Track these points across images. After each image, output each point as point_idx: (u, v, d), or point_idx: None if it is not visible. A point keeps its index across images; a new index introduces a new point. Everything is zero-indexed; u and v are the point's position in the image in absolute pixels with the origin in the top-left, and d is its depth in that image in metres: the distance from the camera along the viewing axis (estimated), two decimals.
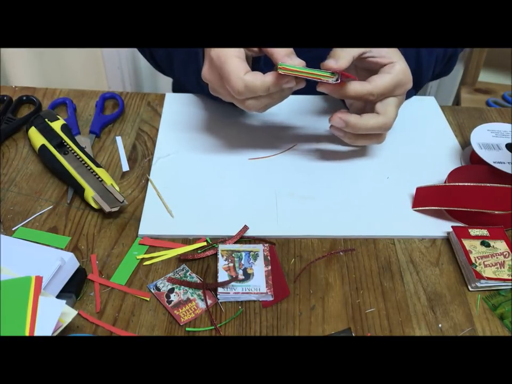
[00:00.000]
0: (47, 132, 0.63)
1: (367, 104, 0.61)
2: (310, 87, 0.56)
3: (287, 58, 0.52)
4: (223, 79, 0.53)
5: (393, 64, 0.56)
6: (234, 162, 0.64)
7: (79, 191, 0.58)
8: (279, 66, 0.51)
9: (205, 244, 0.54)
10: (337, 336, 0.46)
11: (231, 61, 0.52)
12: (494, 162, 0.60)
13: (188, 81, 0.70)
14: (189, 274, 0.51)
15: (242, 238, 0.54)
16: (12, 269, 0.44)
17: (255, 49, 0.55)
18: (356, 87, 0.55)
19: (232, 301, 0.49)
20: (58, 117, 0.66)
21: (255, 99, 0.54)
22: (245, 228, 0.54)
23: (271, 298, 0.49)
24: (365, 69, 0.59)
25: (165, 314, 0.47)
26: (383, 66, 0.57)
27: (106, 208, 0.55)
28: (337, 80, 0.53)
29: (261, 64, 0.63)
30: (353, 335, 0.46)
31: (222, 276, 0.49)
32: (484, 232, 0.54)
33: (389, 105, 0.57)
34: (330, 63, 0.53)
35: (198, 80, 0.62)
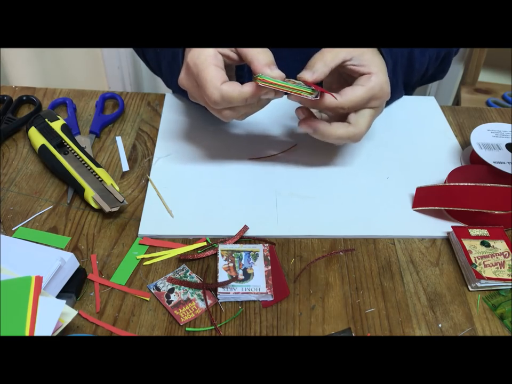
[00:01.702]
0: (47, 132, 0.63)
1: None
2: None
3: (267, 68, 0.50)
4: (199, 87, 0.52)
5: (370, 76, 0.54)
6: (234, 162, 0.64)
7: (79, 191, 0.58)
8: (258, 78, 0.50)
9: (205, 244, 0.54)
10: (337, 336, 0.46)
11: (208, 70, 0.51)
12: (494, 162, 0.60)
13: (173, 82, 0.68)
14: (189, 274, 0.51)
15: (242, 238, 0.54)
16: (12, 269, 0.44)
17: (235, 57, 0.54)
18: (326, 99, 0.53)
19: (232, 301, 0.49)
20: (58, 117, 0.66)
21: (232, 109, 0.53)
22: (245, 228, 0.54)
23: (271, 298, 0.49)
24: (347, 75, 0.58)
25: (165, 314, 0.47)
26: (360, 76, 0.55)
27: (106, 208, 0.55)
28: (316, 96, 0.52)
29: (244, 71, 0.62)
30: (353, 335, 0.46)
31: (222, 276, 0.49)
32: (484, 232, 0.54)
33: (362, 116, 0.56)
34: (306, 75, 0.52)
35: None
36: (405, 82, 0.62)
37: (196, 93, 0.55)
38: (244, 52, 0.52)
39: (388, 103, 0.67)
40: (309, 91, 0.52)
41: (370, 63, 0.55)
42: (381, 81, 0.55)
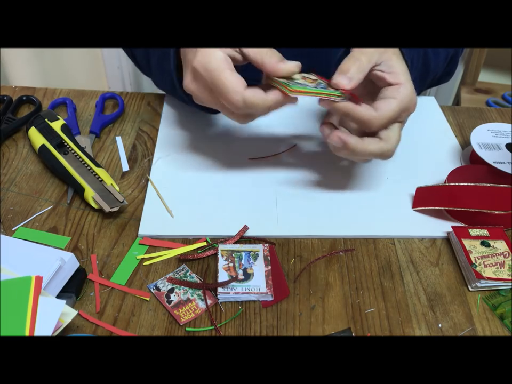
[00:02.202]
0: (47, 132, 0.63)
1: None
2: None
3: (281, 63, 0.49)
4: (215, 93, 0.50)
5: (399, 87, 0.52)
6: (234, 162, 0.64)
7: (79, 191, 0.58)
8: (290, 89, 0.48)
9: (205, 244, 0.54)
10: (337, 336, 0.46)
11: (225, 75, 0.49)
12: (494, 162, 0.60)
13: (163, 82, 0.67)
14: (189, 274, 0.51)
15: (242, 238, 0.54)
16: (12, 269, 0.44)
17: (240, 58, 0.52)
18: (362, 110, 0.50)
19: (232, 301, 0.49)
20: (58, 117, 0.66)
21: (251, 114, 0.52)
22: (245, 228, 0.54)
23: (271, 298, 0.49)
24: (369, 80, 0.54)
25: (165, 314, 0.47)
26: (388, 86, 0.52)
27: (106, 208, 0.55)
28: (345, 99, 0.50)
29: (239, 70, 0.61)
30: (353, 335, 0.46)
31: (222, 276, 0.49)
32: (484, 232, 0.54)
33: (393, 131, 0.53)
34: (343, 81, 0.49)
35: (172, 82, 0.60)
36: (419, 86, 0.59)
37: (207, 98, 0.53)
38: (250, 53, 0.50)
39: None
40: (338, 94, 0.49)
41: (398, 70, 0.52)
42: (410, 92, 0.52)
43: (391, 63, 0.52)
